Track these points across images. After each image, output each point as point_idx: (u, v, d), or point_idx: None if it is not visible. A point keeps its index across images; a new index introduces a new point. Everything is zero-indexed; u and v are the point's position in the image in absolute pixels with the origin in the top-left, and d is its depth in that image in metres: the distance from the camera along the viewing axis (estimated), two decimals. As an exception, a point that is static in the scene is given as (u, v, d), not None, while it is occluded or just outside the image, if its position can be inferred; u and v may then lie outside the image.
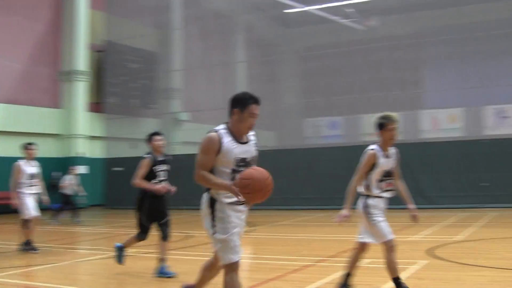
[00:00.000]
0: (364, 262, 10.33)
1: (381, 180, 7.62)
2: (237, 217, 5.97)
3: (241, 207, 5.98)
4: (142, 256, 12.45)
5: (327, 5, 32.04)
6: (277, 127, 33.74)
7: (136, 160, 27.34)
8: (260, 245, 14.62)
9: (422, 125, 27.66)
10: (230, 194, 5.75)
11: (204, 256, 11.61)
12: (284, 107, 34.79)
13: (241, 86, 36.01)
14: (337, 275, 9.33)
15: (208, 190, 5.94)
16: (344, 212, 7.45)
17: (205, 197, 6.00)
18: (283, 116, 33.52)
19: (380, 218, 7.59)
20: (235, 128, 5.87)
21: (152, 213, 10.05)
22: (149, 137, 10.35)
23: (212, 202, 5.91)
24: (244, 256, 11.71)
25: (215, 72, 35.63)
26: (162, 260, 9.91)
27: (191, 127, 32.11)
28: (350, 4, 30.68)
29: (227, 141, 5.79)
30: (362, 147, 25.70)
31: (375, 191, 7.59)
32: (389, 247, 7.54)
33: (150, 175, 10.01)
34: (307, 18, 33.76)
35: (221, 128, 5.88)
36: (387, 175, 7.66)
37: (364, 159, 7.60)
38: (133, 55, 31.90)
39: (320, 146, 28.26)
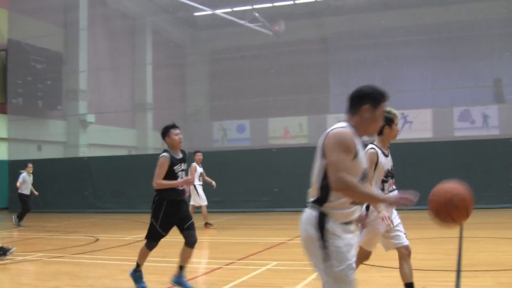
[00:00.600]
0: (270, 264, 10.43)
1: (384, 181, 7.22)
2: (352, 240, 4.73)
3: (353, 227, 4.79)
4: (51, 261, 12.18)
5: (235, 8, 32.19)
6: (185, 130, 33.61)
7: (41, 162, 26.57)
8: (169, 248, 14.51)
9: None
10: (346, 212, 4.63)
11: (114, 260, 11.45)
12: (192, 109, 34.76)
13: (149, 88, 35.76)
14: (247, 277, 9.39)
15: (316, 204, 4.66)
16: (384, 213, 6.90)
17: (309, 215, 4.68)
18: (191, 118, 33.46)
19: (380, 226, 7.14)
20: (360, 128, 4.73)
21: (169, 219, 8.78)
22: (165, 131, 8.99)
23: (323, 223, 4.59)
24: (153, 259, 11.62)
25: (122, 74, 35.25)
26: (182, 268, 8.92)
27: (98, 129, 31.65)
28: (258, 8, 30.90)
29: (358, 143, 4.68)
30: (269, 151, 25.86)
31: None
32: (366, 256, 7.39)
33: (171, 175, 8.76)
34: (216, 21, 33.82)
35: (347, 126, 4.70)
36: (389, 175, 7.29)
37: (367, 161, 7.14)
38: (38, 55, 31.14)
39: (228, 149, 28.37)
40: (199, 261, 12.01)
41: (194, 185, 18.50)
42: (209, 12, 32.23)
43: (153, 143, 35.09)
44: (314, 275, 9.42)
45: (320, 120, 29.70)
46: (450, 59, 27.72)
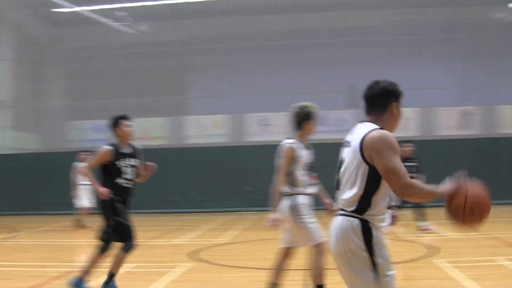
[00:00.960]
0: (128, 266, 10.41)
1: (306, 174, 7.27)
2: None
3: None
4: None
5: (98, 6, 31.65)
6: (41, 129, 32.77)
7: None
8: (21, 252, 14.19)
9: (188, 131, 28.21)
10: (382, 217, 4.33)
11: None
12: (49, 109, 33.90)
13: (5, 86, 34.56)
14: (100, 280, 9.31)
15: (356, 213, 4.30)
16: (274, 215, 7.03)
17: (350, 224, 4.31)
18: (48, 118, 32.63)
19: (309, 220, 7.15)
20: (387, 127, 4.44)
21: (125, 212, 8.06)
22: (115, 121, 8.16)
23: (368, 232, 4.26)
24: (3, 264, 11.32)
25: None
26: (112, 276, 8.18)
27: None
28: (122, 7, 30.54)
29: None
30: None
31: (301, 188, 7.20)
32: (319, 251, 7.19)
33: (114, 171, 8.01)
34: (77, 19, 33.13)
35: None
36: (310, 168, 7.30)
37: (283, 154, 7.19)
38: None
39: (86, 149, 27.80)
40: (52, 264, 11.80)
41: (80, 184, 18.31)
42: (71, 9, 31.55)
43: (9, 142, 33.92)
44: (175, 276, 9.50)
45: (181, 121, 29.73)
46: (308, 65, 28.42)
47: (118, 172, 8.01)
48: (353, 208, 4.29)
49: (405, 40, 27.78)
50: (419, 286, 9.04)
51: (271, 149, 24.35)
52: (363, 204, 4.26)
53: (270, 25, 28.63)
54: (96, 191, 7.96)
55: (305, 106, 7.34)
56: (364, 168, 4.24)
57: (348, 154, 4.39)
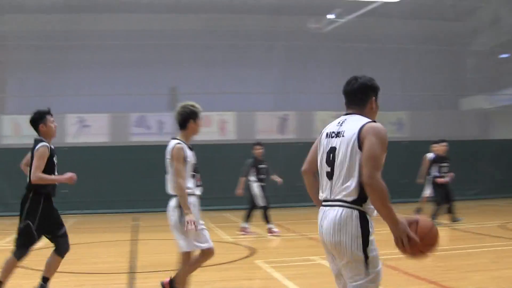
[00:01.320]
0: None
1: (193, 176, 7.11)
2: None
3: None
4: None
5: None
6: None
7: None
8: None
9: (3, 131, 27.05)
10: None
11: None
12: None
13: None
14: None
15: (355, 204, 4.35)
16: (192, 217, 6.75)
17: (350, 214, 4.35)
18: None
19: (201, 224, 7.06)
20: None
21: (45, 221, 7.41)
22: (39, 117, 7.60)
23: (366, 224, 4.35)
24: None
25: None
26: (47, 280, 7.75)
27: None
28: None
29: None
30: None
31: (190, 188, 6.99)
32: (207, 255, 7.20)
33: (49, 168, 7.46)
34: None
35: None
36: (196, 169, 7.15)
37: (175, 155, 6.92)
38: None
39: None
40: None
41: None
42: None
43: None
44: None
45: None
46: (129, 66, 28.20)
47: (52, 169, 7.57)
48: (354, 197, 4.34)
49: (228, 45, 28.29)
50: (243, 286, 9.23)
51: (89, 150, 24.23)
52: (362, 195, 4.33)
53: (92, 24, 28.14)
54: (66, 180, 7.64)
55: (190, 105, 7.21)
56: (360, 157, 4.33)
57: (342, 144, 4.45)
